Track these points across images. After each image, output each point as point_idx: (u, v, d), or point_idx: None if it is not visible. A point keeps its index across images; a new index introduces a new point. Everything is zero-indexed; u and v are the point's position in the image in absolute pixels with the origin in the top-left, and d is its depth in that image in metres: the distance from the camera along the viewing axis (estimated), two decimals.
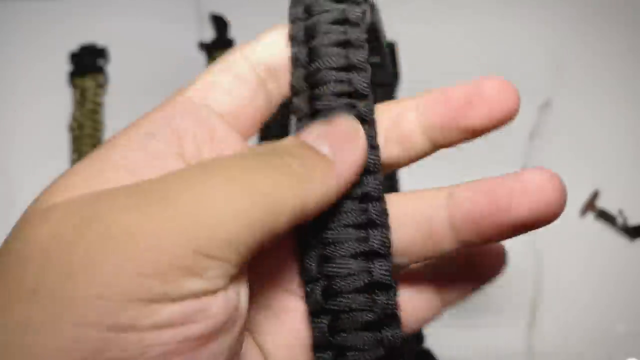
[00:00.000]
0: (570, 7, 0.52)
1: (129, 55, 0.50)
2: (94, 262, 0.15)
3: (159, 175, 0.17)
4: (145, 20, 0.52)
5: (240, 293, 0.18)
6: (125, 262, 0.15)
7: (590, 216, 0.44)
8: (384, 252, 0.20)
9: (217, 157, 0.19)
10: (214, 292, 0.16)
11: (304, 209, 0.18)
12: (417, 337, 0.40)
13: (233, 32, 0.51)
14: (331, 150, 0.19)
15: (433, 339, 0.41)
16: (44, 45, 0.50)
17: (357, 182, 0.20)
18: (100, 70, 0.48)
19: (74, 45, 0.50)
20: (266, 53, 0.21)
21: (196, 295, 0.16)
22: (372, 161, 0.20)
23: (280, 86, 0.21)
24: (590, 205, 0.44)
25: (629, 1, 0.52)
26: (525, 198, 0.19)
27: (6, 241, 0.17)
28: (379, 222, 0.20)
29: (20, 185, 0.44)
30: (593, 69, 0.50)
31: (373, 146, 0.20)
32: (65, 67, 0.49)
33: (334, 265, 0.20)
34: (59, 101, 0.48)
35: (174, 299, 0.16)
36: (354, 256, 0.20)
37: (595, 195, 0.44)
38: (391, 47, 0.49)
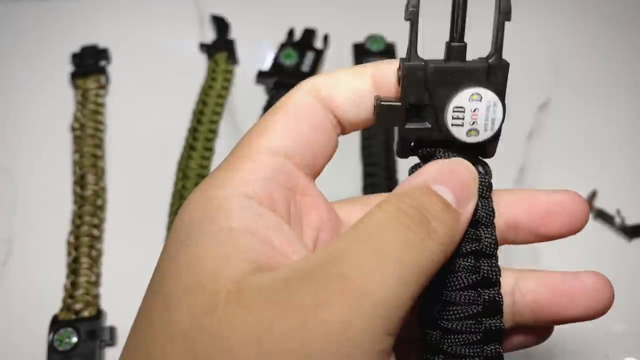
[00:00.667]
0: (570, 8, 0.52)
1: (130, 56, 0.50)
2: (309, 355, 0.17)
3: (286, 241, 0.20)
4: (146, 22, 0.52)
5: None
6: (339, 356, 0.17)
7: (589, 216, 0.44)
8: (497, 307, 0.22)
9: (361, 224, 0.19)
10: None
11: (442, 262, 0.19)
12: None
13: (233, 33, 0.51)
14: (456, 200, 0.20)
15: None
16: (46, 46, 0.51)
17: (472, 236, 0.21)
18: (101, 71, 0.49)
19: (75, 46, 0.50)
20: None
21: None
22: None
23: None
24: (588, 205, 0.44)
25: (628, 2, 0.52)
26: (584, 300, 0.22)
27: (193, 318, 0.18)
28: (493, 279, 0.22)
29: (22, 185, 0.44)
30: (592, 69, 0.50)
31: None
32: (67, 67, 0.49)
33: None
34: (61, 102, 0.48)
35: None
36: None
37: (593, 195, 0.44)
38: (391, 48, 0.49)
